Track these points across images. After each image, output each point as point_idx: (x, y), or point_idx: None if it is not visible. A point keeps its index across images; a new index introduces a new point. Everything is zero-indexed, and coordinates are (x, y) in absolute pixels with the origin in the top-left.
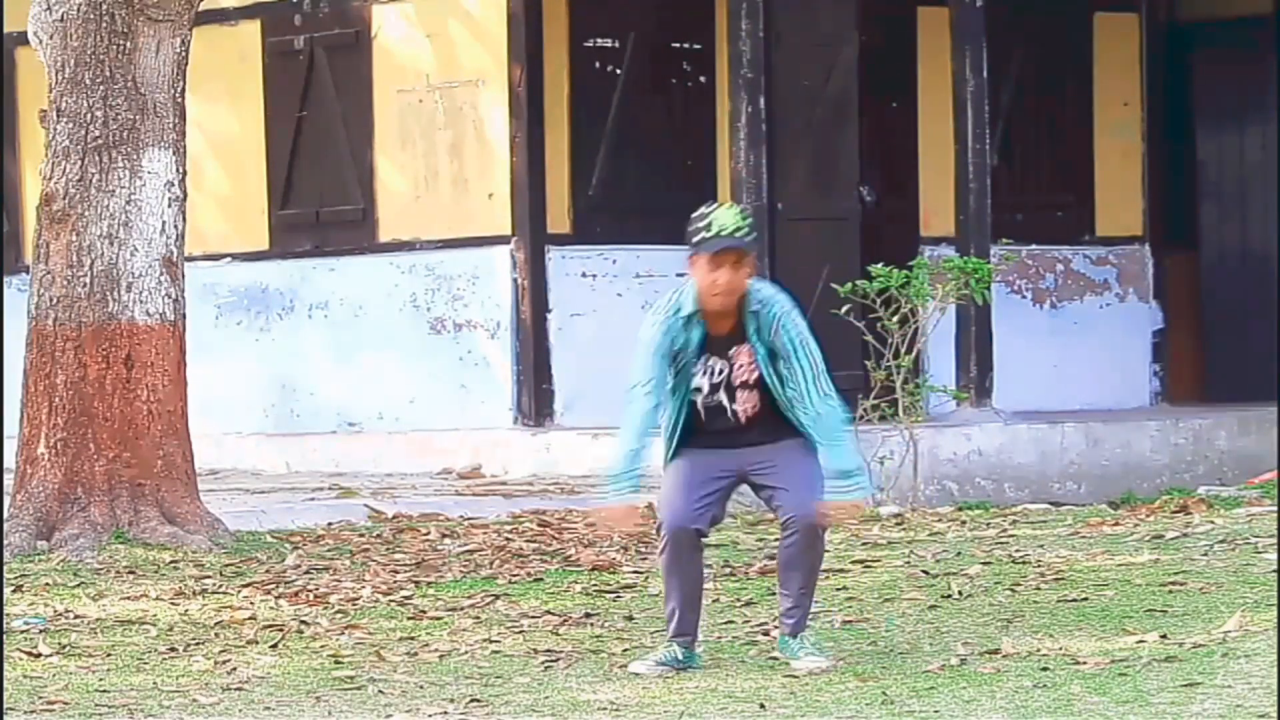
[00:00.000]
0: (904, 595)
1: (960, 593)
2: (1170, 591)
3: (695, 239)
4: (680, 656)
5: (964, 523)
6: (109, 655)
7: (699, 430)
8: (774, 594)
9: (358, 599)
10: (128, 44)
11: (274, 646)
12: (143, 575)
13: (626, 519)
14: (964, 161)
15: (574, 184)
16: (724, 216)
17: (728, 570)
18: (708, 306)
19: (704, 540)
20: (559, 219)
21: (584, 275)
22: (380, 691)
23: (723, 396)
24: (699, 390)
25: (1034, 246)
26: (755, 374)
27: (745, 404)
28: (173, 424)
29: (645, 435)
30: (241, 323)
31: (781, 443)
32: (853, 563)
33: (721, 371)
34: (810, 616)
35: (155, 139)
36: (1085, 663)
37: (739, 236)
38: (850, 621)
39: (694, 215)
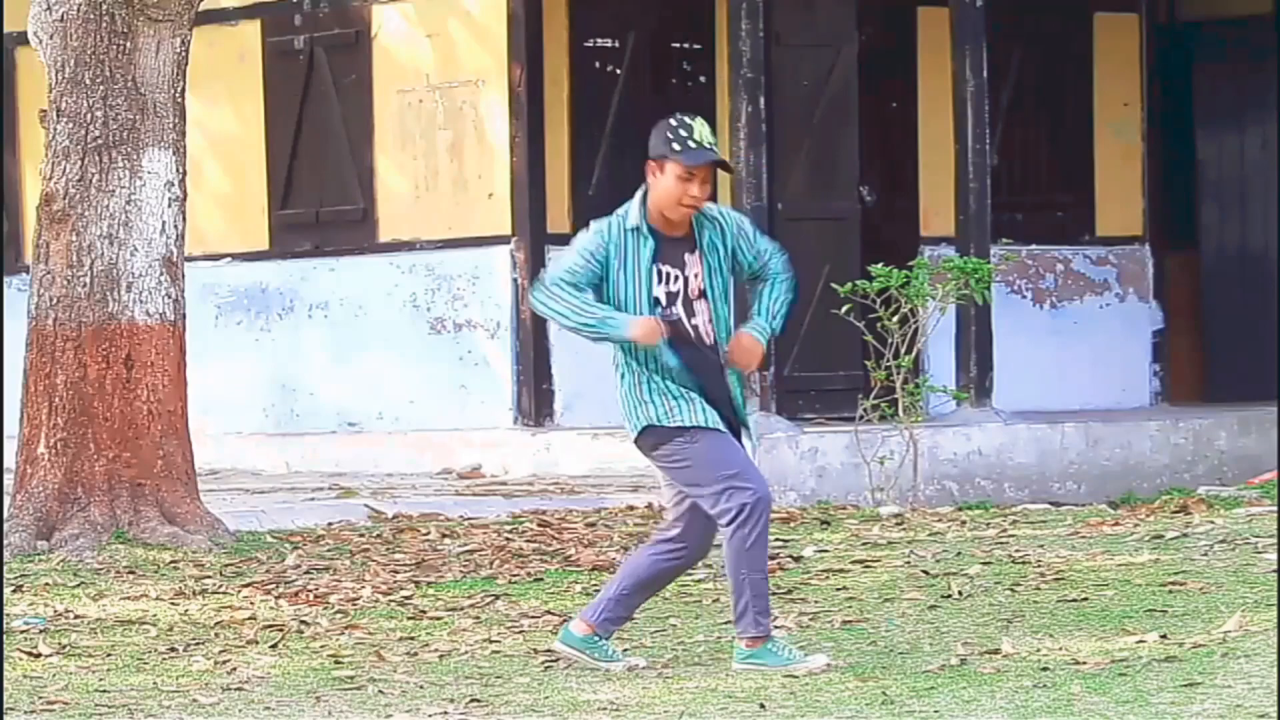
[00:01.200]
0: (904, 595)
1: (960, 593)
2: (1170, 591)
3: (675, 145)
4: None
5: (964, 523)
6: (109, 655)
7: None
8: (774, 593)
9: (358, 599)
10: (128, 44)
11: (274, 646)
12: (143, 575)
13: (655, 326)
14: (964, 161)
15: (574, 184)
16: (703, 129)
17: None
18: (672, 216)
19: None
20: (559, 219)
21: None
22: (380, 691)
23: (681, 311)
24: (658, 303)
25: (1034, 246)
26: (704, 285)
27: (703, 318)
28: (173, 424)
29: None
30: (241, 323)
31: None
32: (853, 563)
33: (677, 280)
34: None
35: (155, 139)
36: (1085, 663)
37: (718, 151)
38: (850, 621)
39: (670, 121)
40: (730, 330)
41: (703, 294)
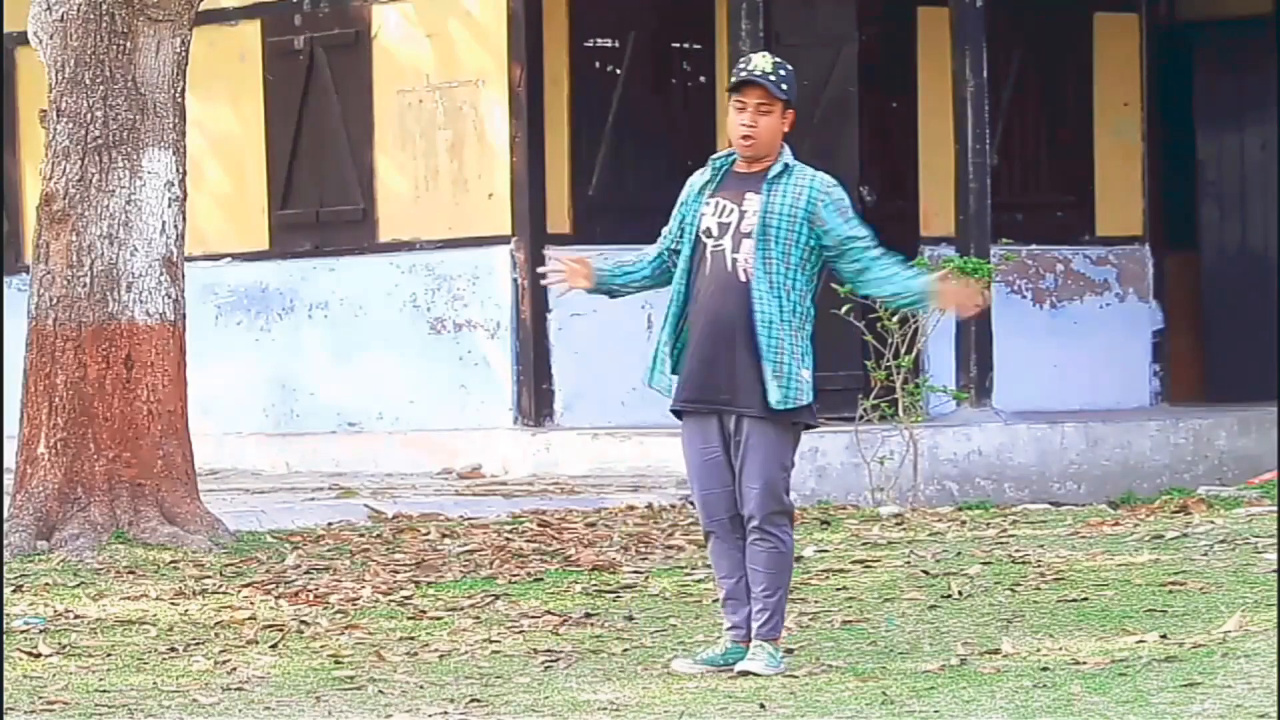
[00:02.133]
0: (904, 595)
1: (960, 593)
2: (1170, 591)
3: (731, 79)
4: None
5: (964, 523)
6: (109, 655)
7: (692, 305)
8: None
9: (358, 599)
10: (128, 44)
11: (274, 646)
12: (143, 575)
13: (576, 268)
14: (964, 161)
15: (574, 184)
16: (760, 60)
17: None
18: (740, 153)
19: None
20: (559, 219)
21: None
22: (380, 691)
23: (728, 244)
24: (709, 234)
25: (1034, 246)
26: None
27: (748, 255)
28: (173, 424)
29: (631, 267)
30: (241, 323)
31: (752, 412)
32: (853, 563)
33: (731, 213)
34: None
35: (155, 139)
36: (1085, 663)
37: (769, 79)
38: (850, 621)
39: (739, 61)
40: (778, 284)
41: (751, 234)
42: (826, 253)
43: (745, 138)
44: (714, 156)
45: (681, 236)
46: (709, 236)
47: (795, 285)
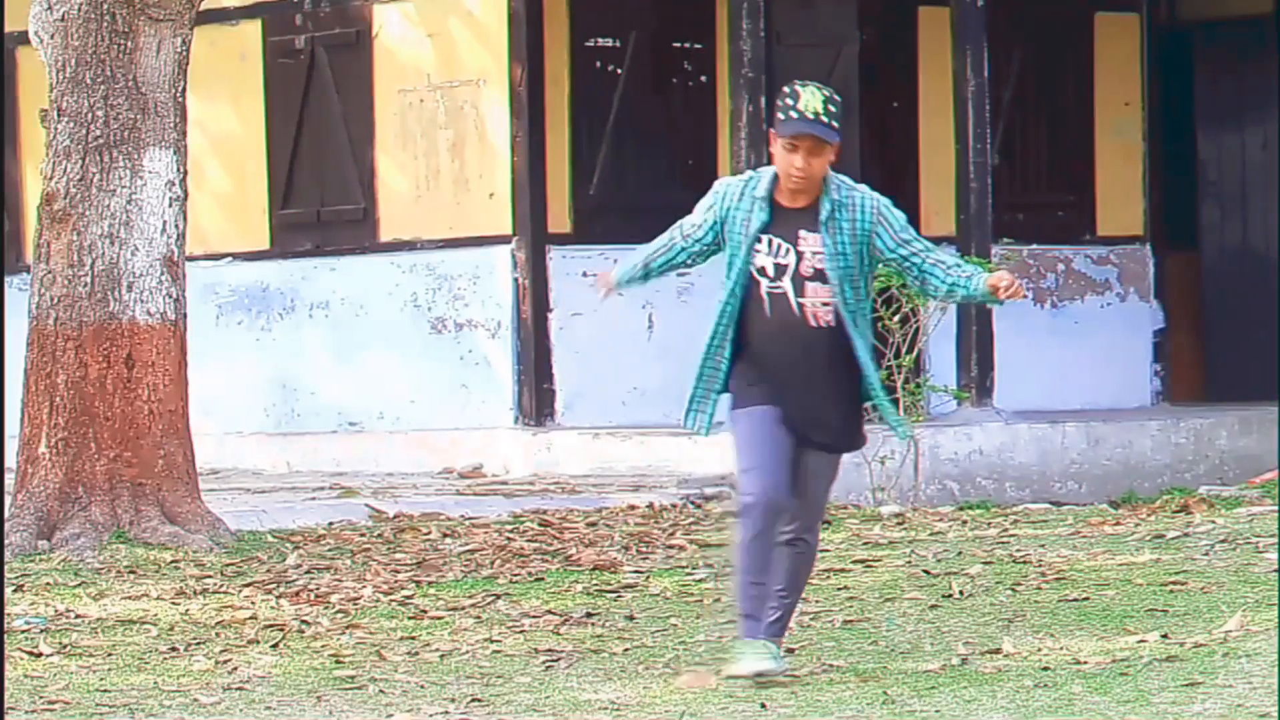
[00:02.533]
0: (905, 595)
1: (961, 592)
2: (1171, 591)
3: (779, 115)
4: (775, 653)
5: (965, 522)
6: (109, 655)
7: (751, 346)
8: None
9: (359, 599)
10: (129, 43)
11: (275, 646)
12: (143, 575)
13: (603, 278)
14: (964, 161)
15: (574, 184)
16: (810, 98)
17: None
18: (785, 186)
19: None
20: (559, 219)
21: (584, 275)
22: (381, 691)
23: (789, 287)
24: (763, 274)
25: (1035, 246)
26: (821, 264)
27: (815, 299)
28: (173, 424)
29: (653, 262)
30: (242, 322)
31: (830, 437)
32: (853, 562)
33: (788, 253)
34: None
35: (156, 138)
36: (1086, 662)
37: (822, 122)
38: (851, 621)
39: (784, 88)
40: (858, 317)
41: (818, 274)
42: (887, 266)
43: (800, 181)
44: (748, 180)
45: (717, 246)
46: (764, 276)
47: (863, 314)
